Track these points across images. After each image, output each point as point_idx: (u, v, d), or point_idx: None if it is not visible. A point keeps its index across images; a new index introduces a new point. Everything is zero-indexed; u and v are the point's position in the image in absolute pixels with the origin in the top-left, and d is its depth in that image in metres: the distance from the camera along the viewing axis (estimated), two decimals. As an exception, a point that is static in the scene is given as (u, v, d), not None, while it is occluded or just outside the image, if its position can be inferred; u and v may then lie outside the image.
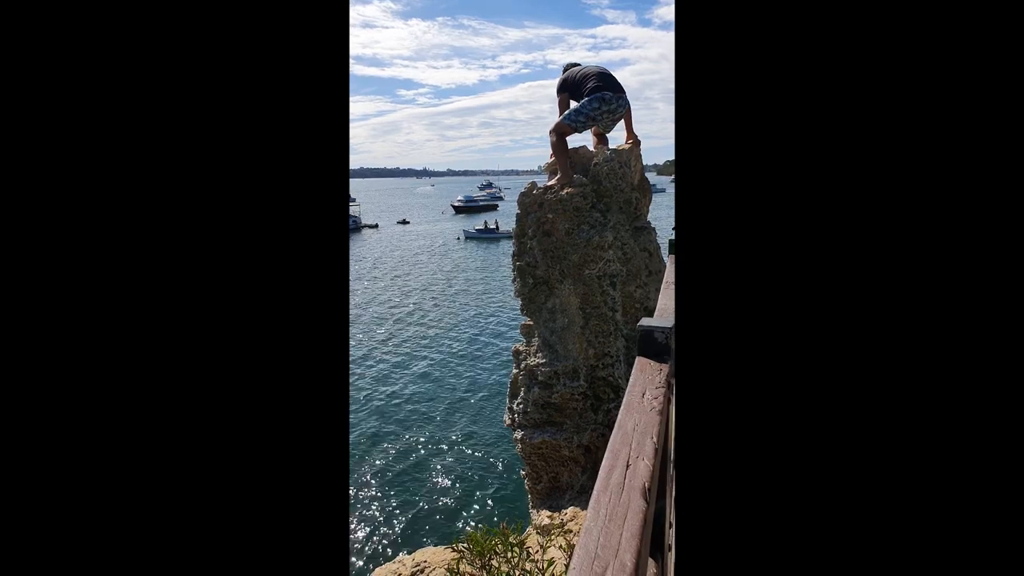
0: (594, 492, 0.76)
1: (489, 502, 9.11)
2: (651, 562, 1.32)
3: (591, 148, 4.17)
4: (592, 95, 3.75)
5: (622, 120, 4.02)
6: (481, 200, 71.80)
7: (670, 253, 2.95)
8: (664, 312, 1.69)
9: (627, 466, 0.82)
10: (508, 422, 4.20)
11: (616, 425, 0.96)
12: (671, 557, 1.70)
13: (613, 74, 3.87)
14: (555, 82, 4.03)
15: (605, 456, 0.85)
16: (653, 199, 4.55)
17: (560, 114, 3.90)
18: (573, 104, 3.86)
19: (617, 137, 4.23)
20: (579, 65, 3.99)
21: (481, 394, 13.15)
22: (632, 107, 4.02)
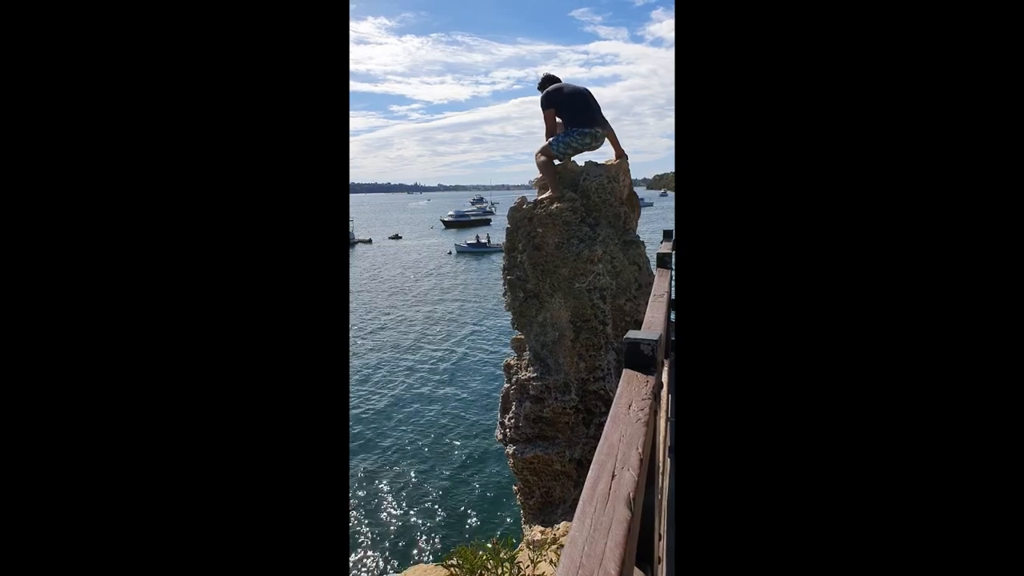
0: (580, 503, 0.77)
1: (481, 518, 9.02)
2: (640, 573, 1.32)
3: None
4: (582, 129, 3.86)
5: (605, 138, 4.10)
6: (472, 215, 72.00)
7: (658, 266, 2.98)
8: (651, 324, 1.71)
9: (612, 477, 0.83)
10: (500, 437, 4.19)
11: (602, 436, 0.97)
12: (661, 569, 1.70)
13: (594, 95, 3.97)
14: None
15: (591, 467, 0.86)
16: (642, 213, 4.60)
17: (546, 128, 3.98)
18: (560, 121, 3.94)
19: (605, 152, 4.30)
20: (558, 80, 4.05)
21: (472, 408, 13.08)
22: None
